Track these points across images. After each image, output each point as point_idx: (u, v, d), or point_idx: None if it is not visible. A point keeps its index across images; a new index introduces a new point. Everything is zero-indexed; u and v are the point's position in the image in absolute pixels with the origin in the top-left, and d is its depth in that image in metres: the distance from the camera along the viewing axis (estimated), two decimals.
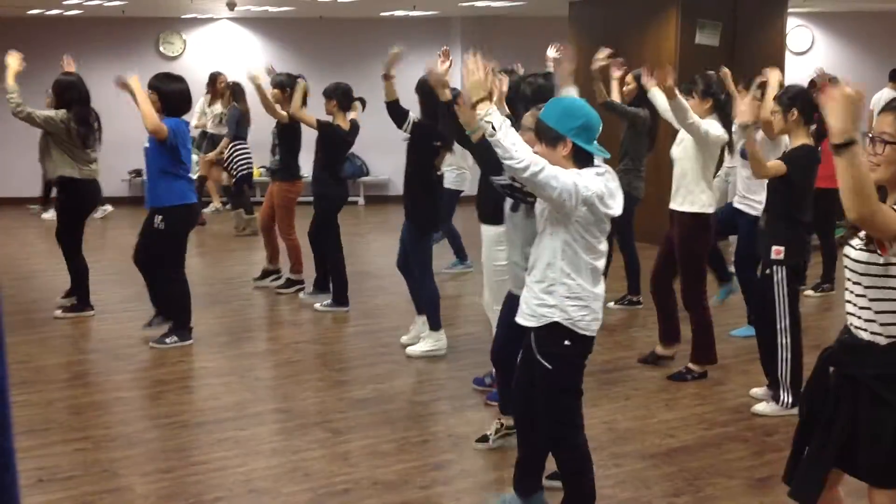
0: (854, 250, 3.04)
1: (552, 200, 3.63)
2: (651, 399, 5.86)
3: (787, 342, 5.43)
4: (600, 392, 5.86)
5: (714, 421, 5.43)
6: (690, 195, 6.02)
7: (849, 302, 3.09)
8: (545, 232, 3.78)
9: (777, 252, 5.34)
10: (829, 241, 8.36)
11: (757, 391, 5.74)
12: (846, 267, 3.08)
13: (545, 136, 3.75)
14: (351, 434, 5.22)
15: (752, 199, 6.88)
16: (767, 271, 5.41)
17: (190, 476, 4.67)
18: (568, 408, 3.88)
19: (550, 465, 4.19)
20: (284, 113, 8.11)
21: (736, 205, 7.20)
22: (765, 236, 5.46)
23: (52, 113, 7.41)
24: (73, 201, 7.54)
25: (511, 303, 4.30)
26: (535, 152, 3.72)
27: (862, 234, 3.00)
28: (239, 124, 11.61)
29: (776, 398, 5.50)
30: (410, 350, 6.66)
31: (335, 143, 7.80)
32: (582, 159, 3.74)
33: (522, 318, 3.87)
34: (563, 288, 3.73)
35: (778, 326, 5.41)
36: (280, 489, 4.51)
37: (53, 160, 7.46)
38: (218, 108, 12.15)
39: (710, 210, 6.06)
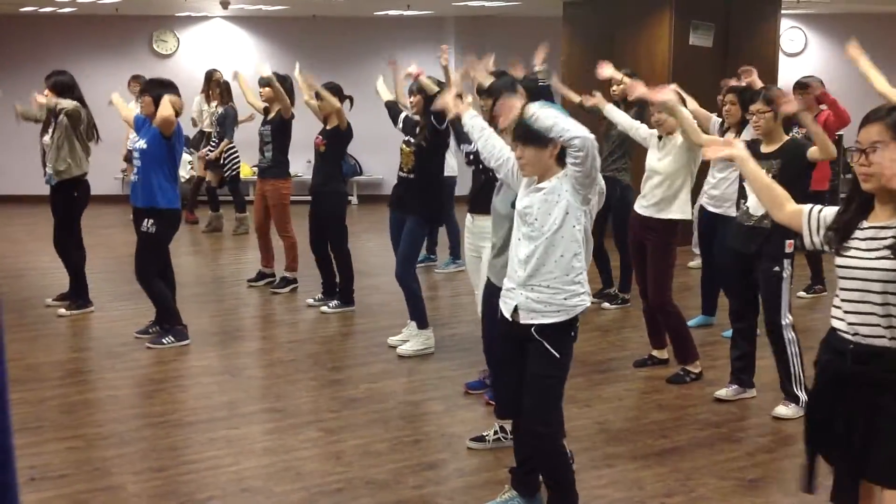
0: (868, 260, 2.99)
1: (591, 179, 3.77)
2: (643, 400, 5.87)
3: (794, 336, 5.45)
4: (593, 393, 5.87)
5: (706, 422, 5.44)
6: (677, 203, 6.09)
7: (856, 313, 3.02)
8: (565, 226, 3.79)
9: (790, 245, 5.37)
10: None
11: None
12: (855, 278, 3.02)
13: (535, 140, 3.79)
14: (344, 433, 5.21)
15: (730, 202, 6.86)
16: (777, 268, 5.39)
17: (182, 475, 4.66)
18: (559, 396, 3.98)
19: None
20: (289, 107, 8.33)
21: (714, 209, 7.14)
22: (776, 232, 5.25)
23: (76, 104, 7.45)
24: (82, 199, 7.61)
25: (492, 295, 4.30)
26: (521, 156, 3.85)
27: (877, 242, 2.98)
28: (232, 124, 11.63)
29: (794, 398, 5.45)
30: (401, 350, 6.67)
31: (346, 141, 7.93)
32: (563, 159, 3.83)
33: (541, 317, 3.83)
34: (584, 274, 3.89)
35: (783, 322, 5.42)
36: (272, 488, 4.51)
37: (76, 156, 7.45)
38: (216, 106, 12.09)
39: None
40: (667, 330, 6.23)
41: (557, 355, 3.84)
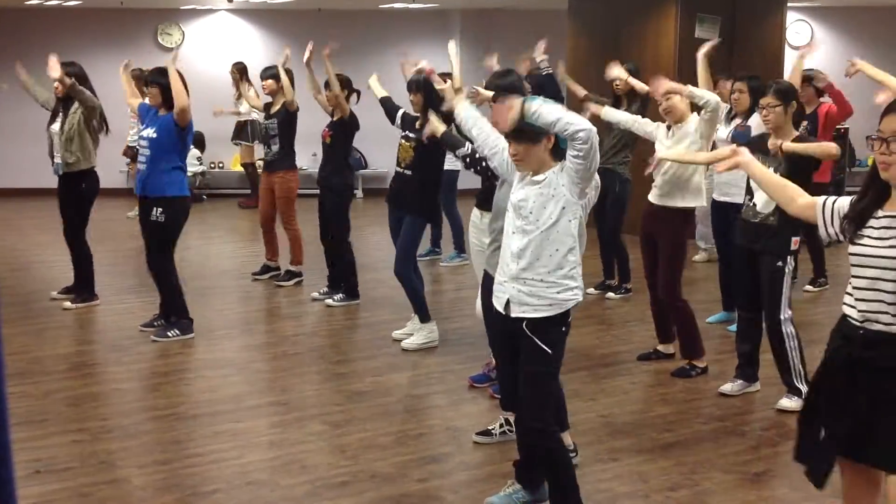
0: (882, 248, 3.01)
1: (591, 173, 3.74)
2: (648, 393, 5.87)
3: (793, 331, 5.45)
4: (598, 386, 5.87)
5: (711, 415, 5.44)
6: (686, 191, 6.07)
7: (867, 300, 3.05)
8: (561, 220, 3.76)
9: (796, 243, 5.39)
10: (816, 236, 8.29)
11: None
12: (868, 266, 3.05)
13: (527, 136, 3.77)
14: (349, 427, 5.22)
15: (738, 188, 6.88)
16: (780, 263, 5.39)
17: (187, 468, 4.67)
18: (552, 393, 3.96)
19: None
20: (295, 102, 8.37)
21: (723, 198, 7.11)
22: (782, 228, 5.33)
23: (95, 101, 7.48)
24: (91, 192, 7.62)
25: (490, 287, 4.28)
26: (515, 152, 3.82)
27: (892, 231, 3.00)
28: None
29: (796, 391, 5.45)
30: (406, 344, 6.68)
31: (352, 132, 7.92)
32: (559, 152, 3.80)
33: (532, 311, 3.81)
34: (579, 269, 3.85)
35: (782, 317, 5.42)
36: (277, 481, 4.51)
37: (86, 149, 7.46)
38: (252, 94, 12.15)
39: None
40: (676, 325, 6.21)
41: (549, 351, 3.81)
